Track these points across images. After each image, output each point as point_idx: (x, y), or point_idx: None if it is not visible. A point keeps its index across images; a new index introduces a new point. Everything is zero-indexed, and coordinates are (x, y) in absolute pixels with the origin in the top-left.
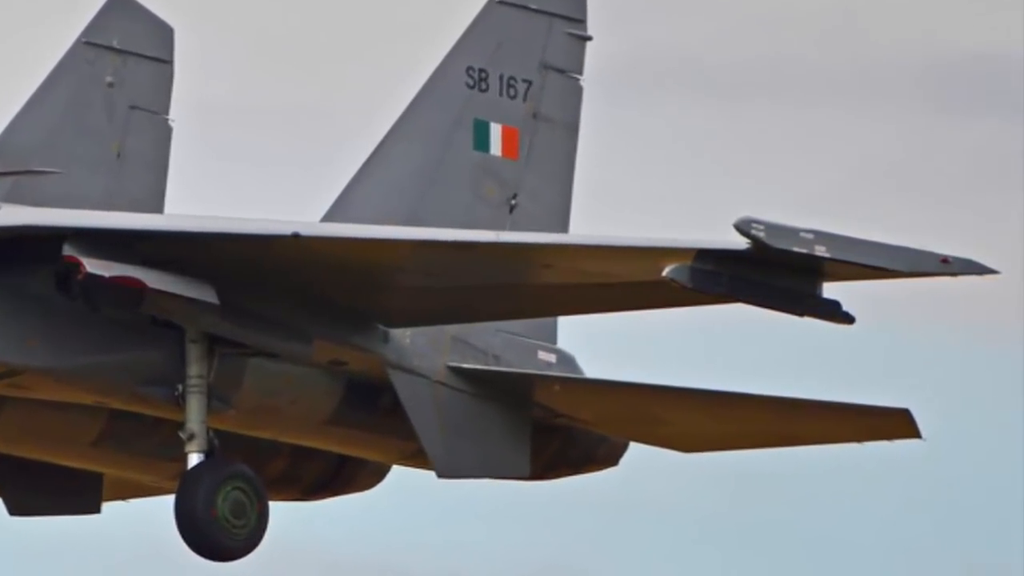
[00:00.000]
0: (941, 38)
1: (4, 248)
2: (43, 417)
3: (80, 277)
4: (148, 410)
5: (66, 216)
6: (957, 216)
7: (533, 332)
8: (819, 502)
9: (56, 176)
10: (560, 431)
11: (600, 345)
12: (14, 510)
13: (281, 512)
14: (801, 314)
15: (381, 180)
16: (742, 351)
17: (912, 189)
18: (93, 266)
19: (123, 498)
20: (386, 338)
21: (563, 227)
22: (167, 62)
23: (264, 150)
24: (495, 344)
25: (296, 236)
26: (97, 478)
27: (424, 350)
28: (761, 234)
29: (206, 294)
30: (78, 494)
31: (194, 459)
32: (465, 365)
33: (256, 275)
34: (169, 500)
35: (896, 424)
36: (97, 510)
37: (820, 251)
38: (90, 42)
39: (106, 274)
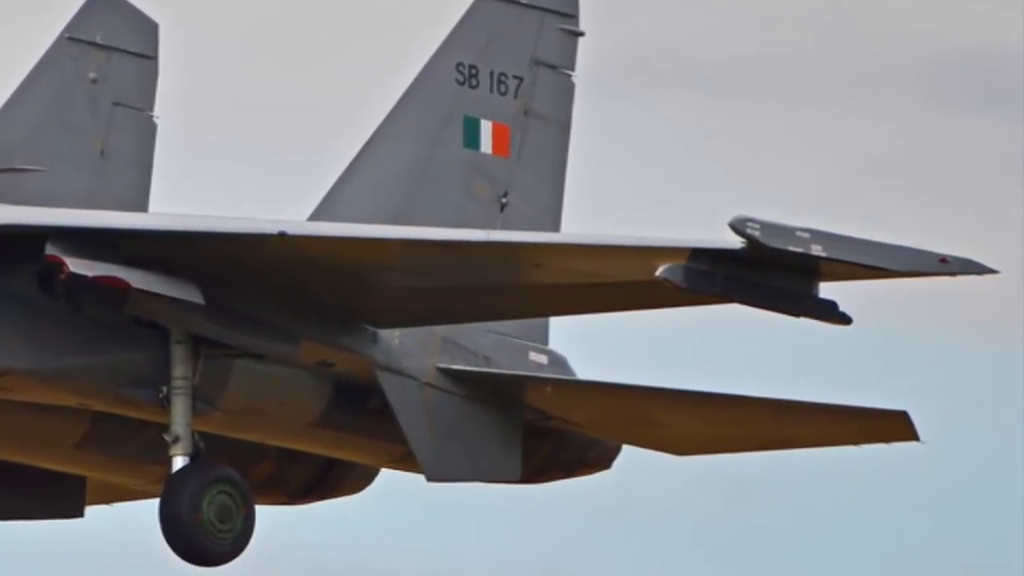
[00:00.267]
0: (940, 35)
1: None
2: (25, 420)
3: (63, 277)
4: (132, 412)
5: (49, 215)
6: (956, 216)
7: (524, 333)
8: (815, 506)
9: (39, 174)
10: (552, 434)
11: (592, 346)
12: None
13: (268, 516)
14: (797, 314)
15: (369, 178)
16: (737, 352)
17: (911, 188)
18: (76, 266)
19: (107, 502)
20: (374, 339)
21: (555, 226)
22: (152, 58)
23: (250, 147)
24: (485, 345)
25: (283, 235)
26: (80, 481)
27: (413, 351)
28: (756, 233)
29: (191, 294)
30: (61, 498)
31: (179, 462)
32: (455, 366)
33: (242, 275)
34: (154, 504)
35: (894, 426)
36: (80, 514)
37: (816, 250)
38: (73, 37)
39: (89, 274)
